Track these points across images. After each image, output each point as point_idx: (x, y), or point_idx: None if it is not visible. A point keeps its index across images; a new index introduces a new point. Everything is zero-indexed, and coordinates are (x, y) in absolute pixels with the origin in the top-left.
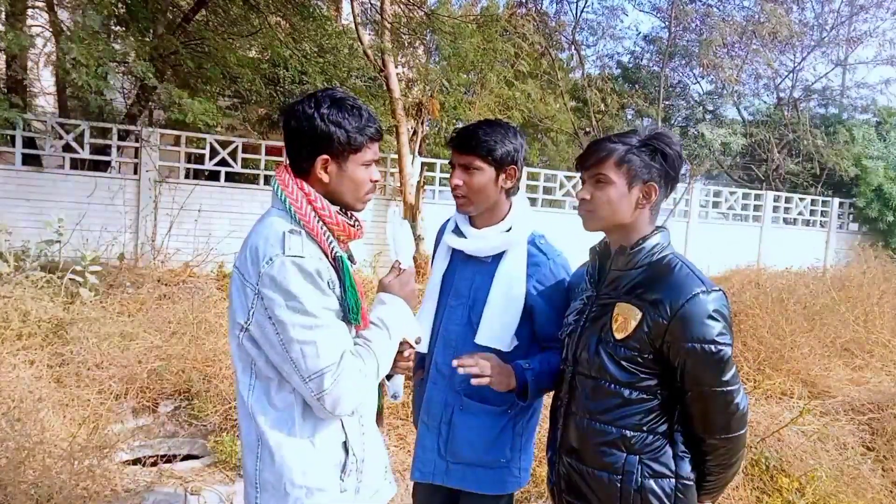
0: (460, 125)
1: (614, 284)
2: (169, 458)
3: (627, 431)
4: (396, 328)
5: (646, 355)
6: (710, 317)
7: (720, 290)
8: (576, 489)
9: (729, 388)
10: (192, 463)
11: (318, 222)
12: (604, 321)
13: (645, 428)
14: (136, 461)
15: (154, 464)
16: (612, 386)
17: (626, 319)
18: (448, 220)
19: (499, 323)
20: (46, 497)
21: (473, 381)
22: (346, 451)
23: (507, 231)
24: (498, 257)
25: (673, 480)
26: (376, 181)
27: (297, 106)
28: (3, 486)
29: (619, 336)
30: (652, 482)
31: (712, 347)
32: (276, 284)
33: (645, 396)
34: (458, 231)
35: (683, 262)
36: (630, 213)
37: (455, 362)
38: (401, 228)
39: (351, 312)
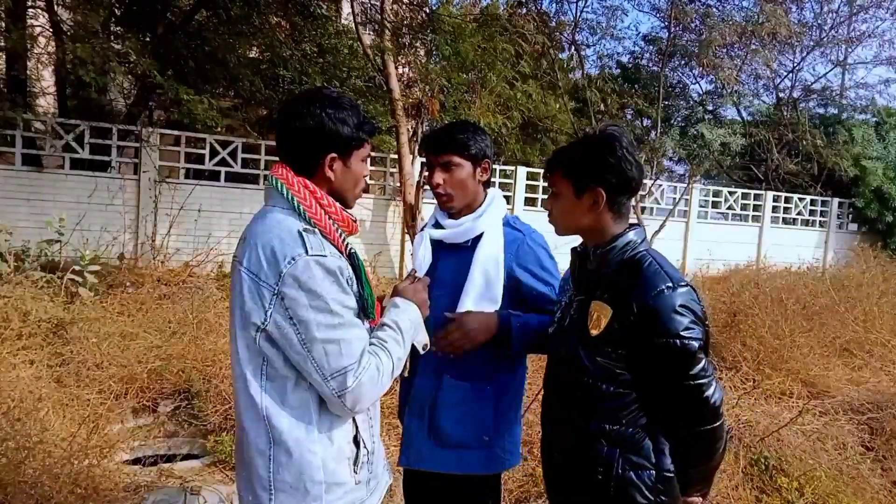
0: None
1: (590, 283)
2: (169, 458)
3: (606, 425)
4: (408, 331)
5: (619, 351)
6: (676, 311)
7: (688, 285)
8: (561, 483)
9: (698, 382)
10: (192, 463)
11: (328, 219)
12: (582, 319)
13: (624, 421)
14: (136, 461)
15: (154, 463)
16: (590, 381)
17: (599, 317)
18: (429, 219)
19: (477, 302)
20: (46, 497)
21: (450, 343)
22: (358, 444)
23: (480, 216)
24: (476, 242)
25: (653, 472)
26: (367, 176)
27: (300, 106)
28: (3, 485)
29: (593, 333)
30: (632, 474)
31: (677, 342)
32: (299, 284)
33: (622, 391)
34: (437, 225)
35: (654, 258)
36: (587, 219)
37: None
38: (421, 241)
39: (369, 306)
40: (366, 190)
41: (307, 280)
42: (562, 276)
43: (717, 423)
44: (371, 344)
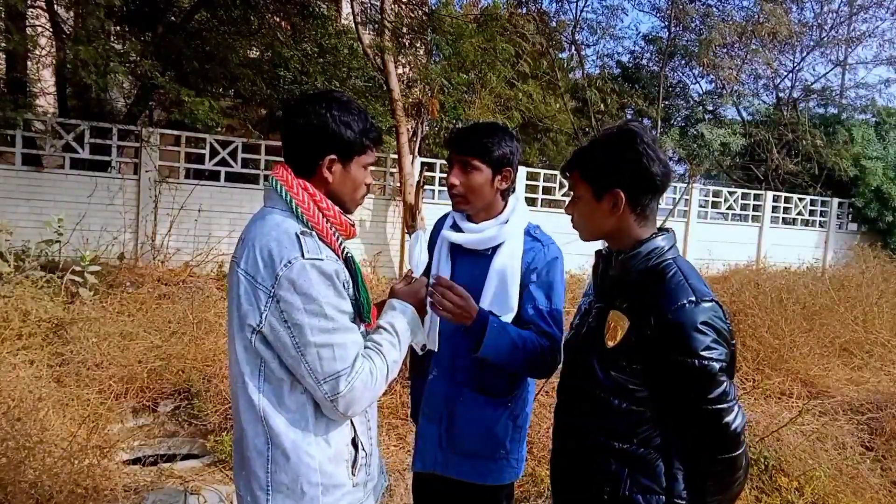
0: (460, 125)
1: (611, 290)
2: (169, 458)
3: (616, 442)
4: (405, 333)
5: (634, 366)
6: (697, 329)
7: (713, 300)
8: (567, 495)
9: (718, 407)
10: (192, 462)
11: (326, 223)
12: (599, 328)
13: (636, 440)
14: (136, 461)
15: (154, 463)
16: (602, 395)
17: (615, 327)
18: (443, 216)
19: (494, 310)
20: (47, 496)
21: (436, 309)
22: (356, 447)
23: (504, 223)
24: (495, 250)
25: (663, 497)
26: (370, 185)
27: (306, 105)
28: (3, 485)
29: (609, 344)
30: (639, 497)
31: (696, 362)
32: (295, 287)
33: (635, 408)
34: (455, 227)
35: (680, 268)
36: (609, 223)
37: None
38: (417, 242)
39: (365, 311)
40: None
41: (303, 283)
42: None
43: (738, 452)
44: (366, 347)
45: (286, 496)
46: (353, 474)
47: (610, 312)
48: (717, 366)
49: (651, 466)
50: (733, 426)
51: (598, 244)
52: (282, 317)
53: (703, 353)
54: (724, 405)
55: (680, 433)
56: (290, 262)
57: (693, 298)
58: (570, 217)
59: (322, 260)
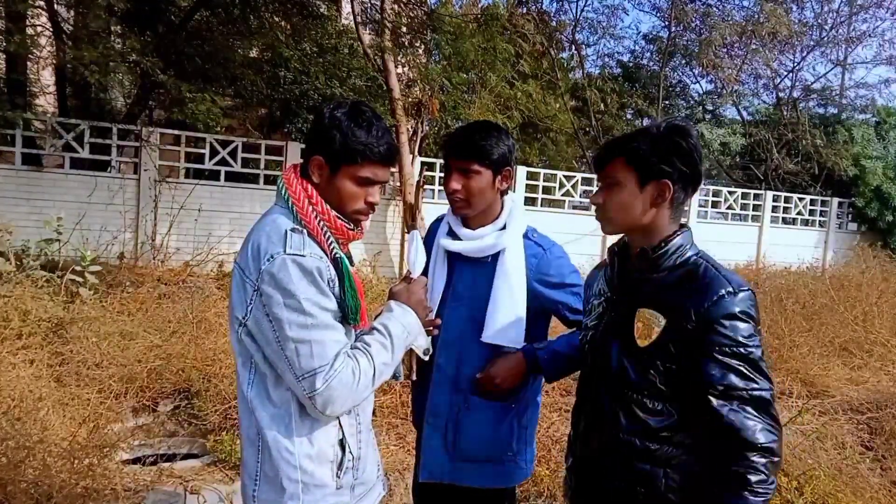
0: (459, 125)
1: (636, 288)
2: (169, 458)
3: (651, 443)
4: (400, 336)
5: (669, 364)
6: (738, 318)
7: (749, 289)
8: (595, 496)
9: (762, 394)
10: (192, 462)
11: (318, 222)
12: (625, 327)
13: (672, 439)
14: (135, 460)
15: (154, 463)
16: (635, 395)
17: (648, 326)
18: (437, 221)
19: (505, 319)
20: (46, 496)
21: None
22: (343, 448)
23: (503, 229)
24: (496, 256)
25: (695, 493)
26: (372, 203)
27: (326, 106)
28: (3, 484)
29: (642, 344)
30: (674, 496)
31: (741, 350)
32: (275, 282)
33: (670, 407)
34: (451, 233)
35: (709, 262)
36: (645, 214)
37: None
38: (414, 242)
39: (350, 313)
40: None
41: (282, 278)
42: (588, 276)
43: (779, 437)
44: (354, 347)
45: (270, 488)
46: (338, 476)
47: (638, 311)
48: (758, 353)
49: (686, 465)
50: (774, 411)
51: (598, 243)
52: (264, 310)
53: (747, 342)
54: (767, 392)
55: (716, 427)
56: (272, 257)
57: (731, 289)
58: (595, 207)
59: (304, 256)
